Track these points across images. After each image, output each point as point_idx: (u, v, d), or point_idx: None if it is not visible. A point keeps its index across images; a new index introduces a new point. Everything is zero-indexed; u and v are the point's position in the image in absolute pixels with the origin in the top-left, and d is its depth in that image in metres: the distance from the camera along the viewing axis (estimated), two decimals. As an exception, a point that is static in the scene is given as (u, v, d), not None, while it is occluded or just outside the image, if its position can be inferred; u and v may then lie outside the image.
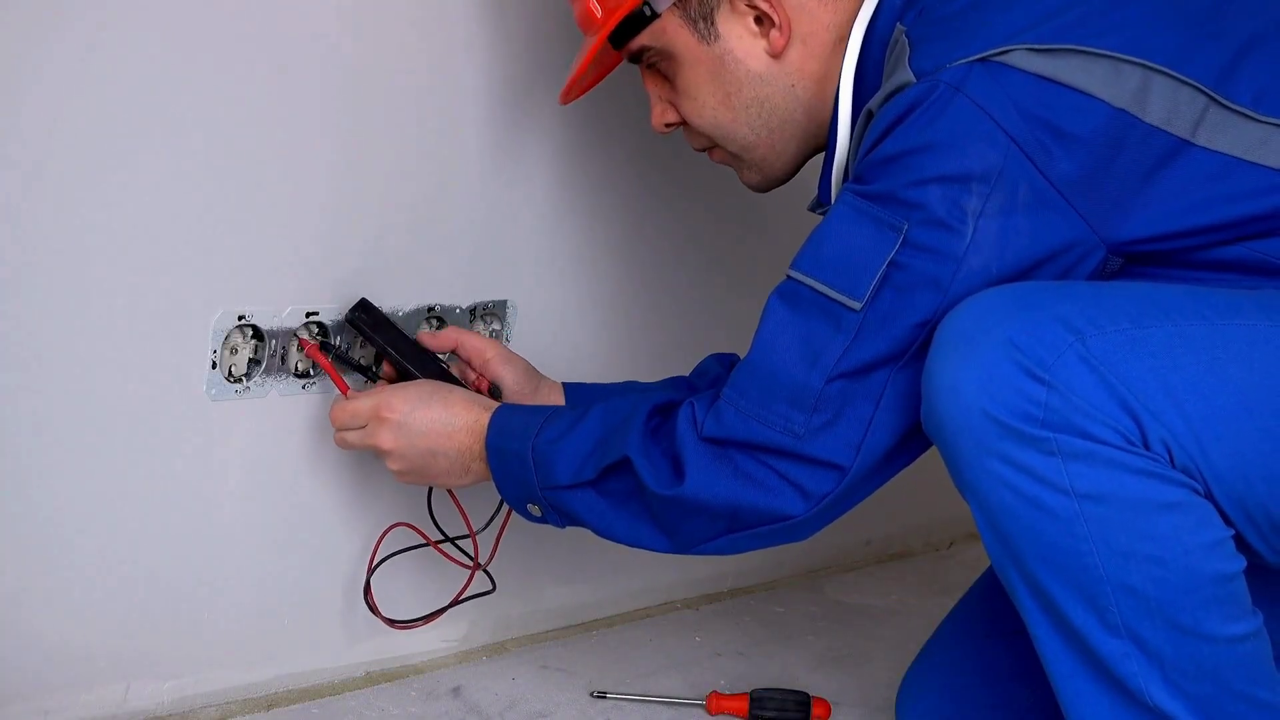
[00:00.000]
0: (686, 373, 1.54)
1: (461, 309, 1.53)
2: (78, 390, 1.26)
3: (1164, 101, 1.15)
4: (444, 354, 1.47)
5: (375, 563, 1.46)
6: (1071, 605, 1.10)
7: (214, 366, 1.34)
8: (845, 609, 1.92)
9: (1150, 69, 1.15)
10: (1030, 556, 1.11)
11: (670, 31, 1.32)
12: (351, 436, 1.38)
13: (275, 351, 1.38)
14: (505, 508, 1.43)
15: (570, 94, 1.42)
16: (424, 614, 1.47)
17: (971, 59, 1.16)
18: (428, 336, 1.46)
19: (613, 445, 1.26)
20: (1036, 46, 1.15)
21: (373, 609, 1.44)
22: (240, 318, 1.35)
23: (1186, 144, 1.16)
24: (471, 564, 1.46)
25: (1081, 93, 1.15)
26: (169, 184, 1.28)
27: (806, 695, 1.54)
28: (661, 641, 1.73)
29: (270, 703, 1.45)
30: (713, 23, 1.31)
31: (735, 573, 1.93)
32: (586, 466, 1.28)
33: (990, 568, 1.52)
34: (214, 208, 1.31)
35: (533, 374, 1.48)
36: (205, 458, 1.37)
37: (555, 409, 1.33)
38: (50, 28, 1.18)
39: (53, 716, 1.31)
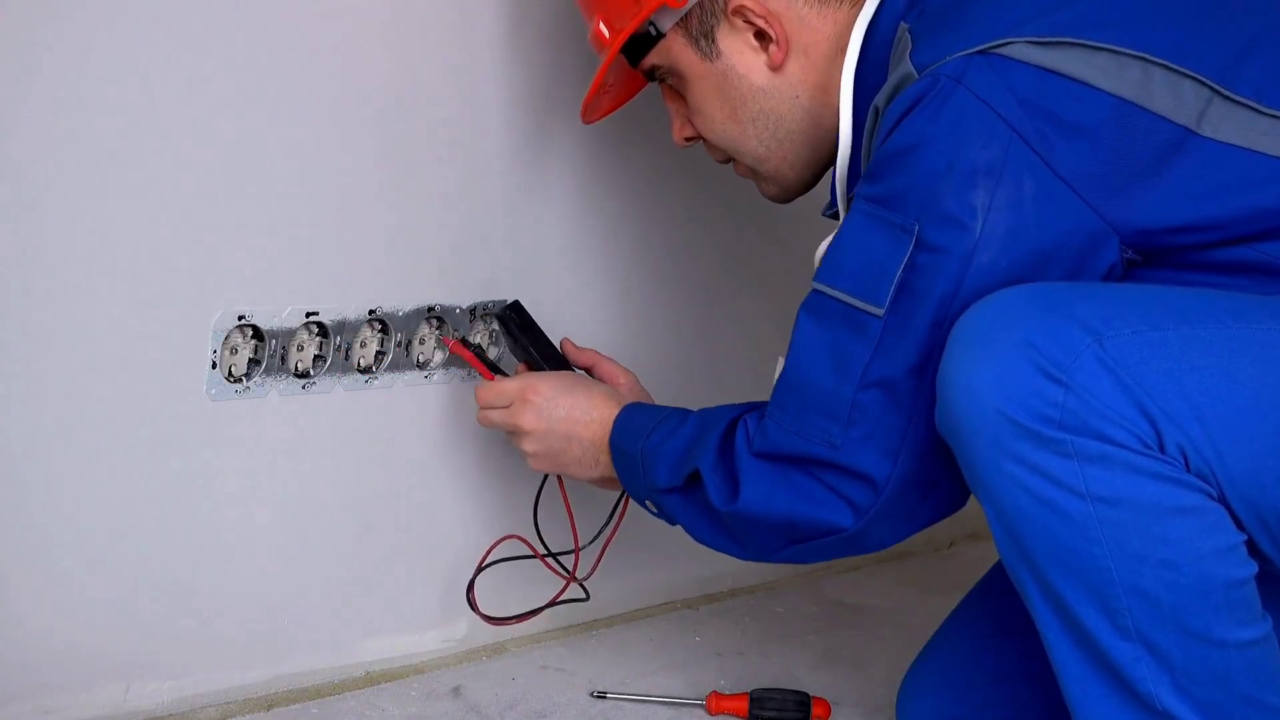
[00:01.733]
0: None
1: (462, 309, 1.53)
2: (78, 390, 1.26)
3: (1167, 92, 1.15)
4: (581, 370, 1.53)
5: (482, 565, 1.51)
6: (1084, 608, 1.10)
7: (214, 366, 1.34)
8: (845, 609, 1.92)
9: (1150, 62, 1.16)
10: (1043, 559, 1.11)
11: (675, 50, 1.35)
12: (495, 415, 1.45)
13: (275, 351, 1.38)
14: (609, 527, 1.51)
15: (592, 113, 1.46)
16: (520, 612, 1.53)
17: (971, 51, 1.16)
18: (571, 348, 1.52)
19: (694, 454, 1.30)
20: (1036, 39, 1.16)
21: (473, 605, 1.50)
22: (240, 318, 1.35)
23: (1192, 134, 1.15)
24: (567, 576, 1.53)
25: (1083, 83, 1.15)
26: (170, 184, 1.27)
27: (806, 695, 1.54)
28: (661, 641, 1.73)
29: (270, 703, 1.45)
30: (713, 40, 1.34)
31: (735, 573, 1.93)
32: (677, 472, 1.32)
33: (993, 567, 1.52)
34: (214, 208, 1.31)
35: None
36: (205, 458, 1.36)
37: (670, 412, 1.38)
38: (51, 25, 1.17)
39: (53, 716, 1.31)
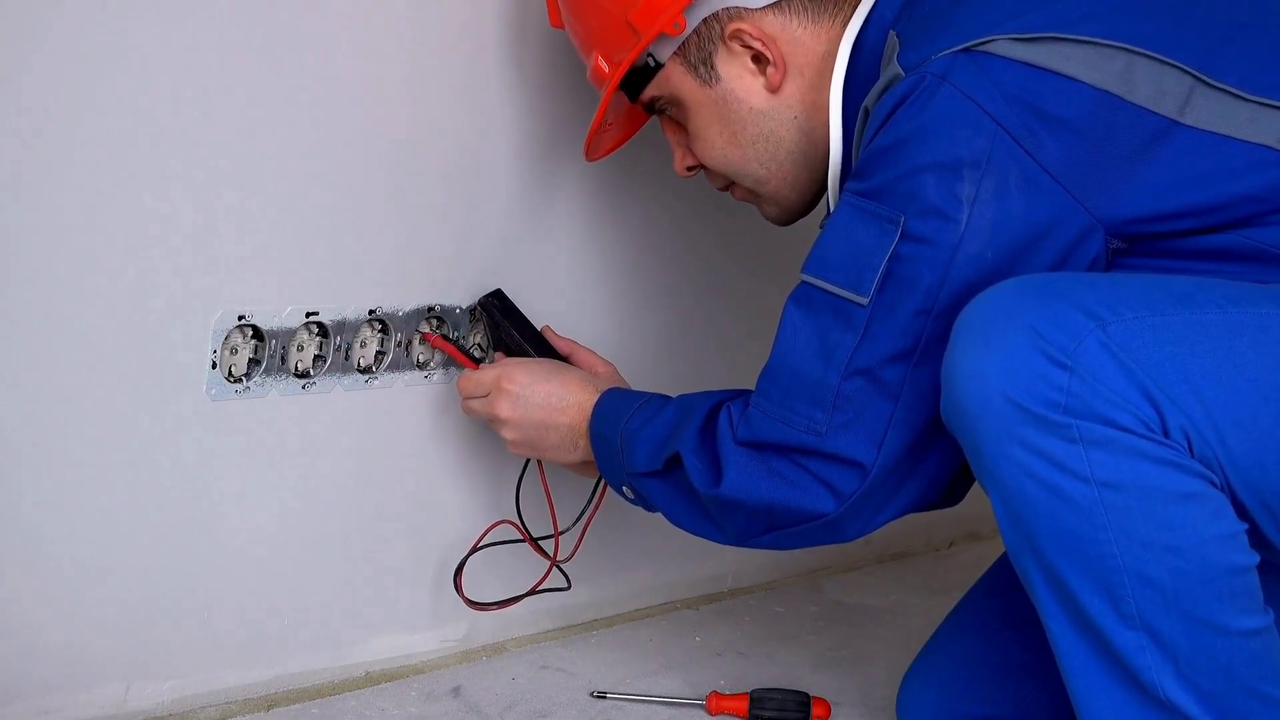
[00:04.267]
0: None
1: (462, 309, 1.54)
2: (78, 390, 1.26)
3: (1149, 82, 1.17)
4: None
5: (475, 548, 1.52)
6: (1088, 595, 1.10)
7: (214, 366, 1.34)
8: (845, 609, 1.92)
9: (1133, 52, 1.17)
10: (1048, 544, 1.11)
11: (674, 79, 1.37)
12: (475, 405, 1.47)
13: (275, 351, 1.38)
14: (589, 512, 1.52)
15: (594, 151, 1.48)
16: (501, 599, 1.53)
17: (956, 49, 1.18)
18: (551, 335, 1.54)
19: (676, 438, 1.31)
20: (1019, 35, 1.18)
21: (458, 588, 1.50)
22: (240, 318, 1.35)
23: (1175, 124, 1.17)
24: (548, 559, 1.54)
25: (1065, 77, 1.17)
26: (170, 183, 1.28)
27: (806, 695, 1.54)
28: (661, 641, 1.73)
29: (270, 703, 1.45)
30: (712, 66, 1.35)
31: (735, 573, 1.93)
32: (657, 456, 1.33)
33: (993, 566, 1.52)
34: (215, 207, 1.31)
35: None
36: (205, 458, 1.37)
37: (650, 397, 1.39)
38: (51, 20, 1.17)
39: (53, 716, 1.31)
